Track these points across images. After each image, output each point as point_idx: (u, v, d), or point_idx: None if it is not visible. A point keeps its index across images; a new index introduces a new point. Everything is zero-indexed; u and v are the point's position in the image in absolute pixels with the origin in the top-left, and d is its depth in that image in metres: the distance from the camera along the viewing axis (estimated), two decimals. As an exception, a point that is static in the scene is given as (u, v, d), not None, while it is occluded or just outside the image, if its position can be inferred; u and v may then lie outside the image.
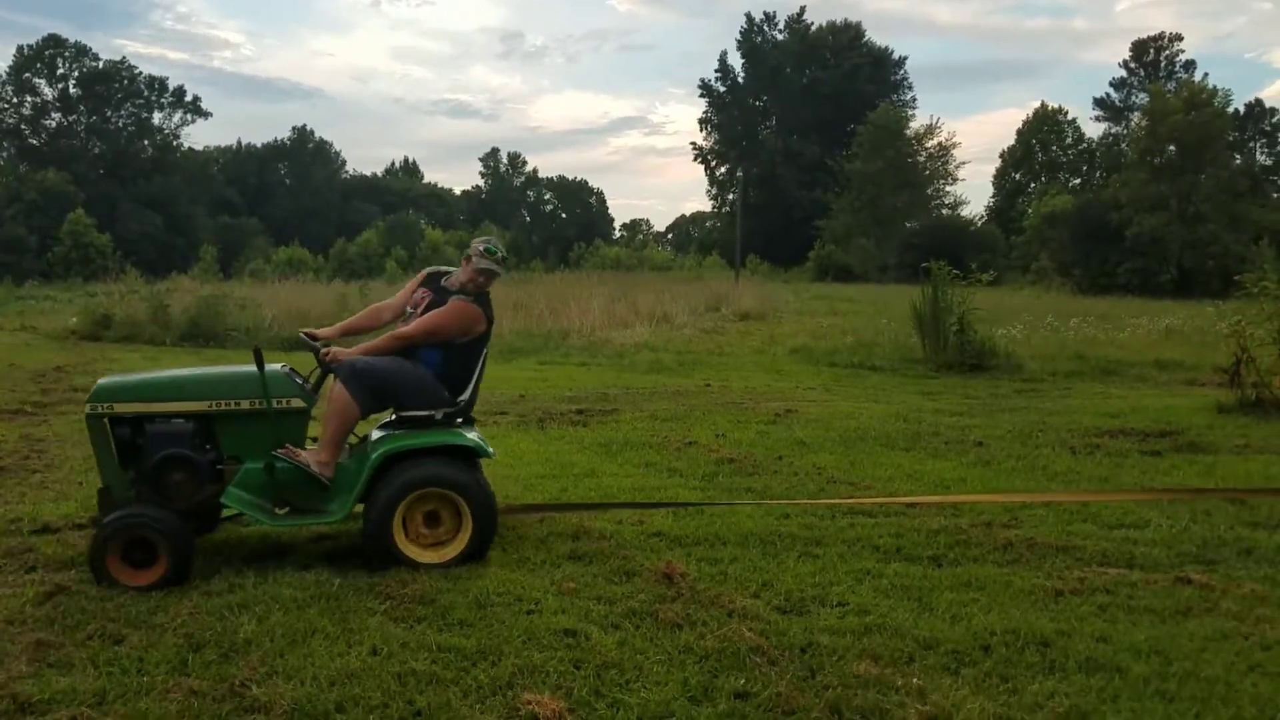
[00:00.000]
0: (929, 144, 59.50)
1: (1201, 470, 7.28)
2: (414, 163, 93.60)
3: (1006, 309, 20.54)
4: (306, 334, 5.12)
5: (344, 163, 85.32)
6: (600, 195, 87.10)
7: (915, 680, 3.37)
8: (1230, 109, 48.09)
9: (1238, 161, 48.83)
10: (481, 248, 5.08)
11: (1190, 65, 58.93)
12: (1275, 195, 49.60)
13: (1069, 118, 63.65)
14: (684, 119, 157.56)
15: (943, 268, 14.66)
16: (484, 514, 4.72)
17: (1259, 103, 57.92)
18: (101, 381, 4.77)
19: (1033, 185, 62.17)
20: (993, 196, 65.43)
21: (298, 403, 4.76)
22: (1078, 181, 59.49)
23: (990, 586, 4.43)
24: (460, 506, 4.71)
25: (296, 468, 4.62)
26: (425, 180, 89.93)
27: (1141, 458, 7.77)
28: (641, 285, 28.96)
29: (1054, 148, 63.63)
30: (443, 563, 4.65)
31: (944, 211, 59.23)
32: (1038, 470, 7.24)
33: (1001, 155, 65.18)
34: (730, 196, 72.32)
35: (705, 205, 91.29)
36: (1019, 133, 64.27)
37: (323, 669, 3.47)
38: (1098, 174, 57.88)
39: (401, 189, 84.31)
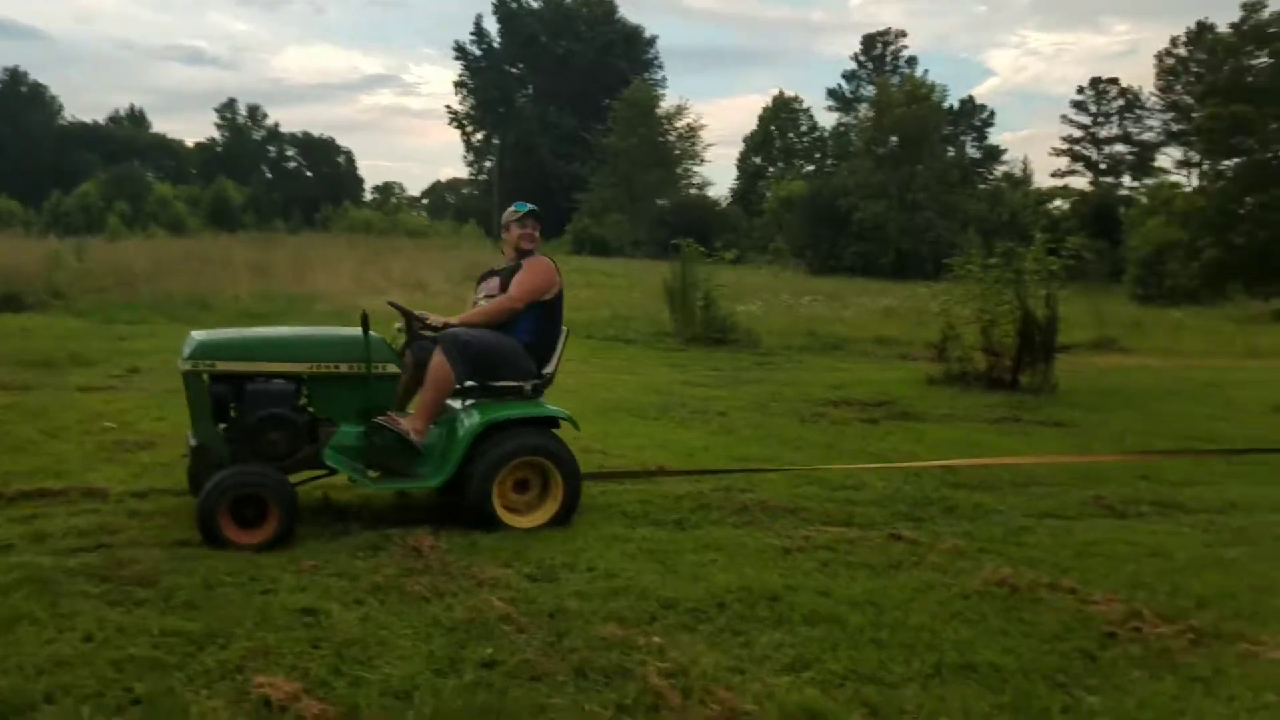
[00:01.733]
0: (679, 124, 61.30)
1: (912, 436, 8.00)
2: (141, 111, 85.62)
3: (747, 286, 21.60)
4: (400, 307, 5.19)
5: (61, 108, 76.88)
6: (349, 155, 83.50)
7: (656, 639, 3.50)
8: (946, 104, 52.70)
9: (951, 154, 53.58)
10: (512, 207, 5.45)
11: (913, 61, 63.81)
12: (982, 187, 54.85)
13: (804, 106, 67.37)
14: (439, 81, 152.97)
15: (691, 245, 15.22)
16: (573, 482, 4.99)
17: (971, 99, 63.73)
18: (200, 338, 4.74)
19: (771, 170, 65.39)
20: (736, 179, 68.34)
21: (392, 368, 4.88)
22: (811, 168, 63.14)
23: (728, 547, 4.67)
24: (551, 474, 4.97)
25: (392, 432, 4.70)
26: (154, 130, 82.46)
27: (861, 425, 8.45)
28: (395, 251, 28.12)
29: (790, 134, 67.17)
30: (533, 527, 4.86)
31: (693, 191, 61.30)
32: (772, 437, 7.70)
33: (744, 139, 68.19)
34: (488, 164, 71.43)
35: (462, 172, 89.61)
36: (760, 119, 67.31)
37: (30, 657, 3.16)
38: (829, 161, 61.67)
39: (126, 138, 76.98)
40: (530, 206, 5.49)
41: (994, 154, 62.07)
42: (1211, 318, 23.92)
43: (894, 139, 46.87)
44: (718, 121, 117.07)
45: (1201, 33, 50.64)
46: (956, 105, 59.95)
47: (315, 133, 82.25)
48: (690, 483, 5.96)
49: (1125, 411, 9.89)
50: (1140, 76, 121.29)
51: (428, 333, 5.09)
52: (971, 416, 9.18)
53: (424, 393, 4.89)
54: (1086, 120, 62.29)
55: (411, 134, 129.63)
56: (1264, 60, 34.97)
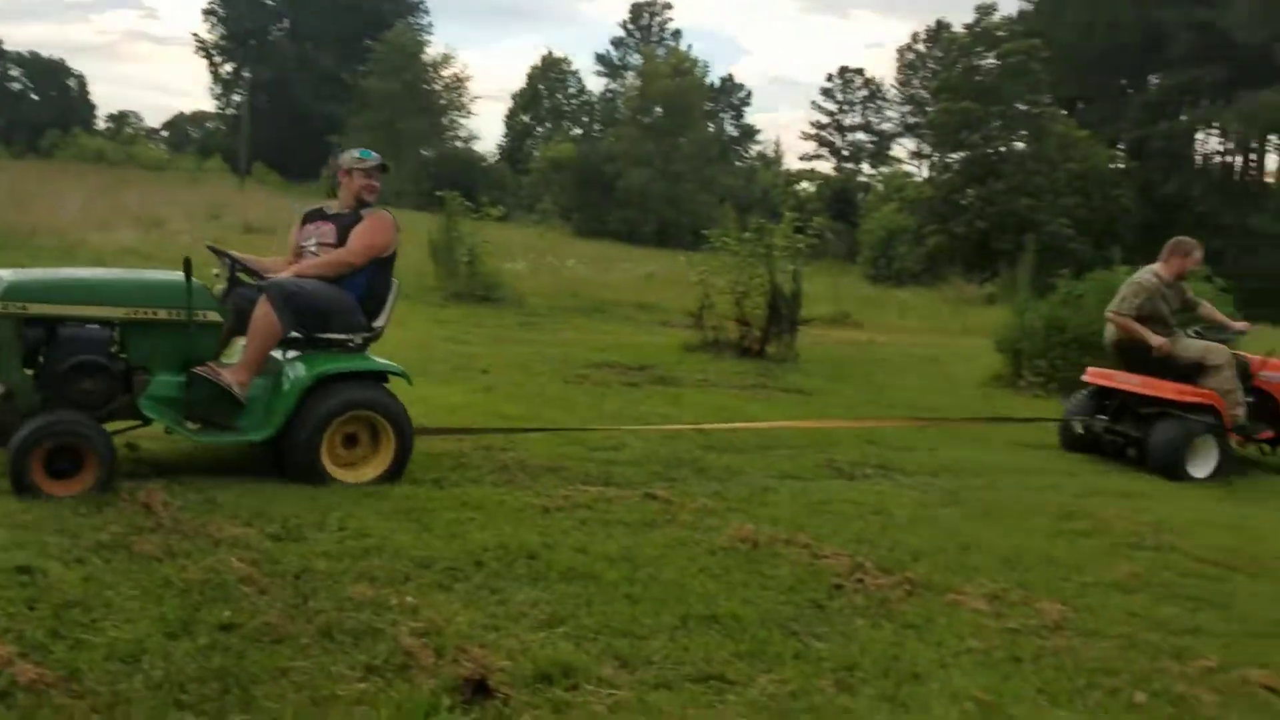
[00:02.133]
0: (445, 73, 59.72)
1: (669, 400, 8.28)
2: None
3: (513, 245, 21.48)
4: (219, 250, 4.94)
5: None
6: (82, 80, 75.69)
7: (409, 599, 3.44)
8: (707, 80, 54.40)
9: (711, 129, 55.45)
10: (357, 153, 5.23)
11: (678, 34, 65.19)
12: (739, 164, 57.18)
13: (573, 69, 67.52)
14: (186, 6, 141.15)
15: (456, 199, 14.93)
16: (404, 438, 4.91)
17: (731, 77, 66.18)
18: (10, 278, 4.36)
19: (539, 129, 65.17)
20: (504, 135, 67.61)
21: (214, 317, 4.62)
22: (579, 131, 63.51)
23: (486, 506, 4.65)
24: (383, 429, 4.87)
25: (212, 384, 4.49)
26: None
27: (622, 388, 8.65)
28: (129, 184, 25.78)
29: (559, 95, 67.16)
30: (360, 483, 4.75)
31: (458, 144, 60.04)
32: (534, 397, 7.73)
33: (513, 96, 67.51)
34: (236, 98, 66.53)
35: (208, 105, 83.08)
36: (528, 77, 66.86)
37: None
38: (596, 126, 62.23)
39: None
40: (378, 157, 5.29)
41: (750, 133, 64.87)
42: (932, 299, 26.21)
43: (659, 109, 47.87)
44: (485, 75, 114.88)
45: (940, 30, 54.90)
46: (718, 82, 62.02)
47: (44, 53, 73.97)
48: (450, 441, 5.88)
49: (858, 382, 10.68)
50: (885, 69, 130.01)
51: (249, 279, 4.87)
52: (724, 382, 9.61)
53: (248, 343, 4.67)
54: (833, 108, 66.18)
55: (152, 61, 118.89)
56: (991, 61, 38.35)
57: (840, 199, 52.00)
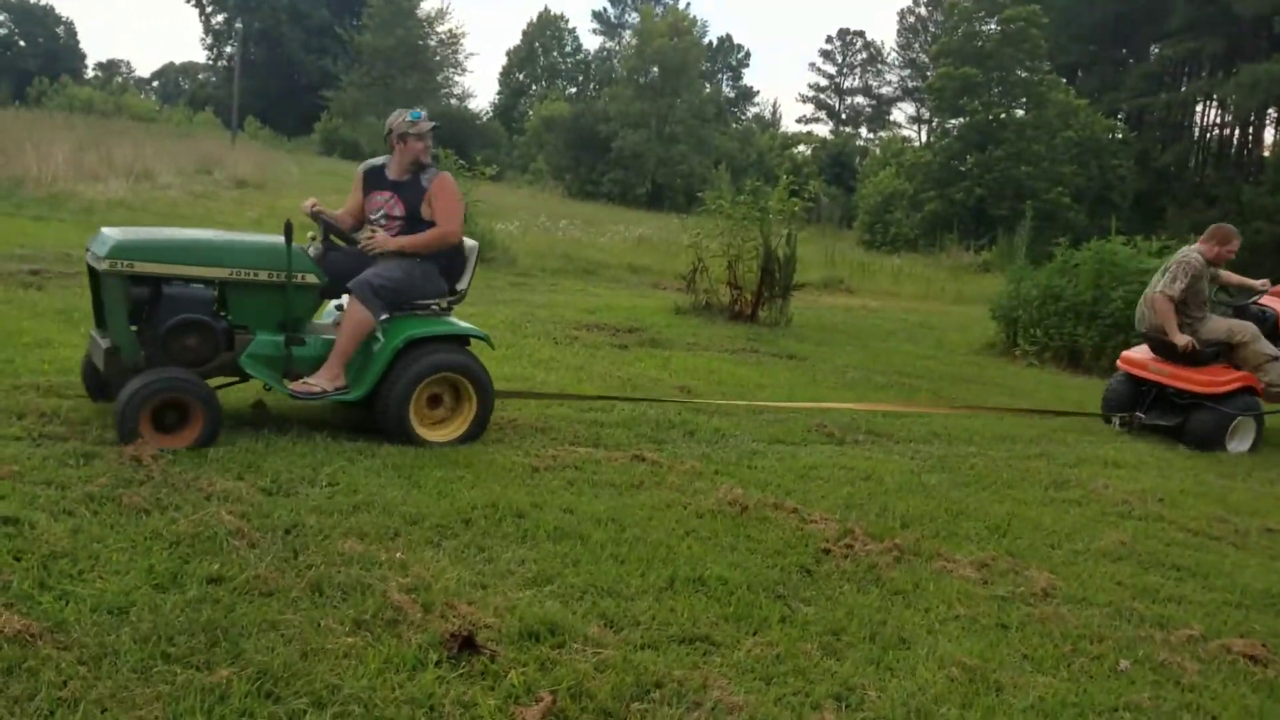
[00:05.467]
0: (440, 29, 58.97)
1: (659, 363, 8.26)
2: None
3: (506, 205, 21.36)
4: (316, 214, 5.13)
5: None
6: (70, 26, 74.51)
7: (399, 555, 3.45)
8: (705, 40, 53.87)
9: (708, 90, 55.00)
10: (408, 115, 5.24)
11: (677, -9, 64.57)
12: (735, 125, 56.78)
13: (570, 26, 66.78)
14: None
15: (450, 157, 14.78)
16: (486, 398, 5.09)
17: (729, 37, 65.50)
18: (117, 237, 4.50)
19: (534, 88, 64.57)
20: (499, 93, 66.97)
21: (312, 279, 4.83)
22: (574, 90, 62.97)
23: (476, 465, 4.64)
24: (465, 390, 5.07)
25: (311, 348, 4.82)
26: None
27: (612, 350, 8.62)
28: (119, 135, 25.44)
29: (554, 54, 66.50)
30: (445, 441, 4.96)
31: (453, 102, 59.43)
32: (524, 358, 7.70)
33: (508, 54, 66.80)
34: (228, 50, 65.65)
35: (199, 56, 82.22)
36: (524, 34, 66.17)
37: None
38: (592, 85, 61.69)
39: None
40: (425, 115, 5.34)
41: (747, 95, 64.44)
42: (927, 265, 26.16)
43: (655, 69, 47.42)
44: (479, 31, 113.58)
45: (941, -5, 54.33)
46: (715, 42, 61.46)
47: (32, -1, 72.76)
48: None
49: (849, 347, 10.67)
50: (886, 32, 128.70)
51: (341, 243, 5.16)
52: (714, 346, 9.59)
53: (341, 336, 4.86)
54: (832, 70, 65.68)
55: (143, 9, 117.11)
56: (992, 27, 37.99)
57: (837, 163, 51.77)
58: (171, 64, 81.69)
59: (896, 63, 63.36)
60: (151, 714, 2.36)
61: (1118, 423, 7.60)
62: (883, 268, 23.17)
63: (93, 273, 4.71)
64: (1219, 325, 7.39)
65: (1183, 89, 45.49)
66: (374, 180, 5.31)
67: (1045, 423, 7.57)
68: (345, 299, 5.07)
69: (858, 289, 18.70)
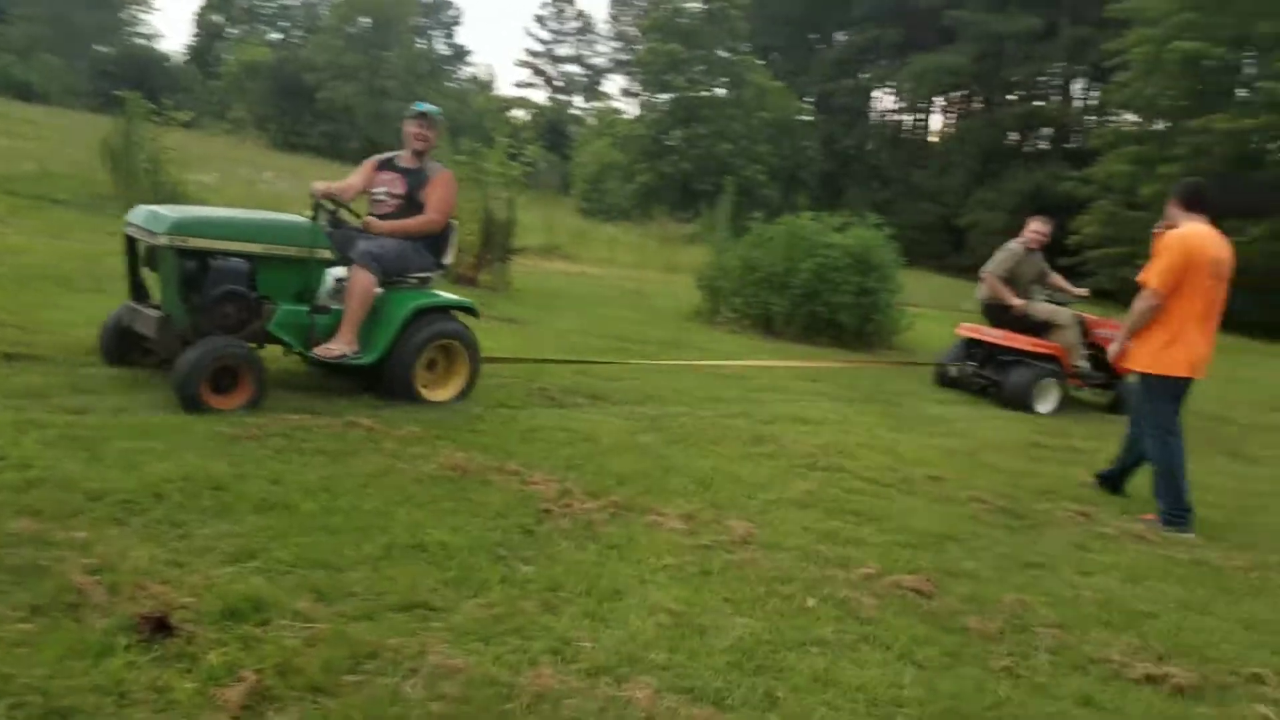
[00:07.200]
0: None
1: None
2: None
3: (201, 154, 19.69)
4: (333, 201, 5.70)
5: None
6: None
7: (79, 534, 3.14)
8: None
9: (422, 46, 53.47)
10: (416, 110, 5.95)
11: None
12: (449, 84, 55.58)
13: (273, -33, 62.31)
14: None
15: (137, 100, 13.43)
16: (476, 360, 5.84)
17: (444, -8, 63.53)
18: (173, 215, 4.89)
19: (232, 30, 59.94)
20: (194, 35, 61.54)
21: (326, 254, 5.30)
22: (278, 36, 59.07)
23: (167, 434, 4.29)
24: (459, 355, 5.78)
25: (333, 316, 5.30)
26: None
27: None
28: None
29: (254, -3, 61.95)
30: (446, 400, 5.67)
31: (139, 41, 53.97)
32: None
33: (202, -7, 61.35)
34: None
35: None
36: (222, -28, 61.04)
37: None
38: (297, 32, 58.11)
39: None
40: (427, 107, 6.00)
41: (461, 54, 63.13)
42: (641, 235, 27.02)
43: (365, 20, 45.50)
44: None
45: (650, -33, 55.75)
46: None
47: None
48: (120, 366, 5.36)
49: (569, 312, 10.84)
50: (598, 2, 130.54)
51: (352, 220, 5.79)
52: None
53: (349, 304, 5.31)
54: (547, 37, 65.91)
55: None
56: (696, 5, 39.58)
57: (554, 130, 52.11)
58: None
59: (608, 34, 64.63)
60: None
61: (953, 371, 9.32)
62: (600, 236, 23.68)
63: (132, 246, 5.17)
64: (1044, 307, 9.05)
65: (863, 76, 49.65)
66: (385, 164, 6.00)
67: (745, 383, 8.08)
68: (343, 270, 5.49)
69: (576, 256, 18.99)
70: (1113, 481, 6.07)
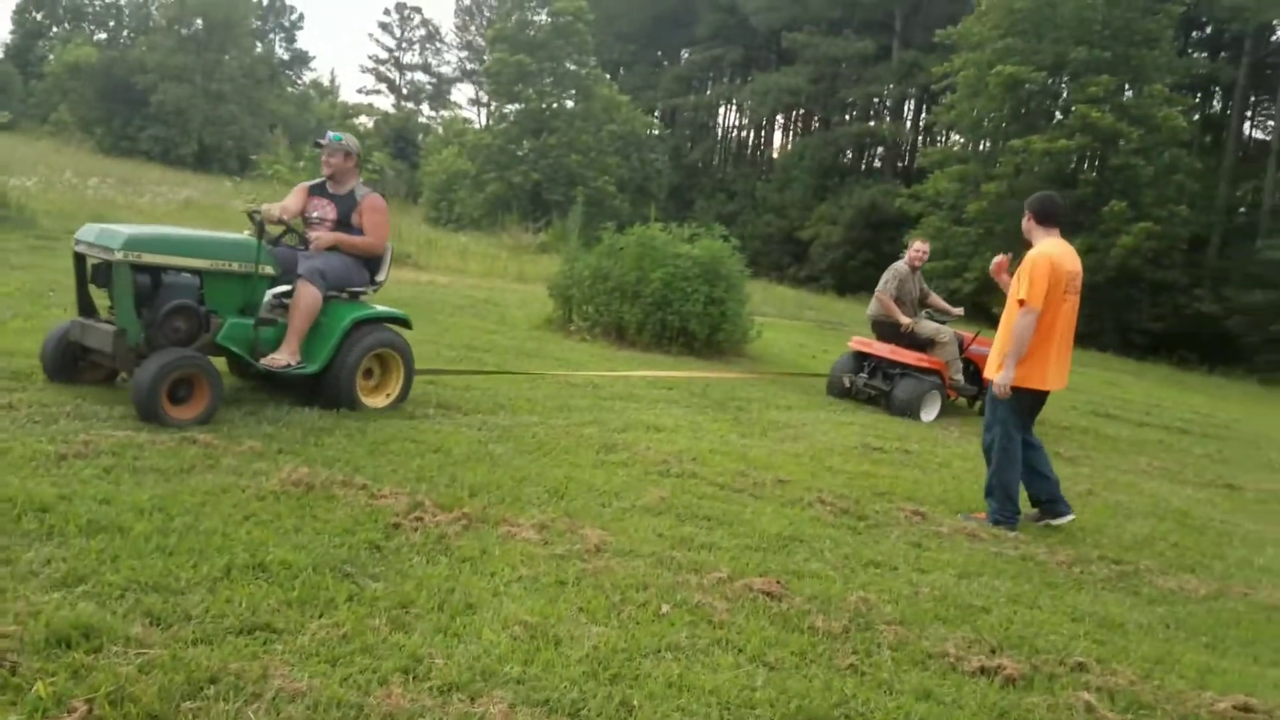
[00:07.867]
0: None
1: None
2: None
3: (22, 158, 18.46)
4: (280, 220, 5.93)
5: None
6: None
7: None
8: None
9: (259, 50, 51.54)
10: (328, 138, 6.26)
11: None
12: (290, 90, 53.79)
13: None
14: None
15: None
16: (410, 368, 6.19)
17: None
18: (128, 232, 5.02)
19: (55, 29, 56.30)
20: (11, 33, 57.46)
21: (269, 270, 5.58)
22: (104, 36, 55.78)
23: (-19, 456, 3.99)
24: (394, 364, 6.13)
25: (277, 329, 5.59)
26: None
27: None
28: None
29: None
30: (383, 407, 5.99)
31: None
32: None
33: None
34: None
35: None
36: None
37: None
38: (126, 32, 55.03)
39: None
40: (330, 135, 6.30)
41: (303, 59, 61.27)
42: (491, 244, 26.78)
43: (199, 21, 43.55)
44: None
45: (499, -23, 55.40)
46: (266, 1, 57.71)
47: None
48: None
49: (419, 322, 10.51)
50: (444, 11, 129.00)
51: (297, 240, 6.04)
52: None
53: (294, 316, 5.58)
54: (391, 44, 64.64)
55: None
56: (544, 18, 39.61)
57: (401, 138, 51.13)
58: None
59: (455, 43, 63.85)
60: None
61: (846, 381, 9.99)
62: (449, 244, 23.34)
63: (80, 263, 5.28)
64: (929, 325, 9.85)
65: (708, 92, 50.82)
66: (316, 189, 6.33)
67: (597, 392, 8.12)
68: (287, 286, 5.67)
69: (425, 264, 18.67)
70: (1051, 506, 5.91)
